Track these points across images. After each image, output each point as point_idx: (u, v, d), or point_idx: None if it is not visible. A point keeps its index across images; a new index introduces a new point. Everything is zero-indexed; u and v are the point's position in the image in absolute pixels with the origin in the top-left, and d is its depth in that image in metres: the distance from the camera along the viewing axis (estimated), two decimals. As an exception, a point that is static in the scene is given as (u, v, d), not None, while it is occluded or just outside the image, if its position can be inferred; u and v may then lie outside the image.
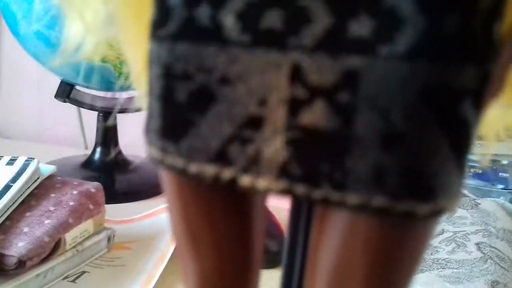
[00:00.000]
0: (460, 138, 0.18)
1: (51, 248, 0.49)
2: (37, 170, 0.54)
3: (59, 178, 0.57)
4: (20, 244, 0.47)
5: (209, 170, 0.19)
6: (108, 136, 0.75)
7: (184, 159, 0.19)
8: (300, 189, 0.18)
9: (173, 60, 0.19)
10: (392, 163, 0.17)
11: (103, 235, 0.56)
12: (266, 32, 0.18)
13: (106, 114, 0.73)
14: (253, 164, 0.19)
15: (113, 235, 0.58)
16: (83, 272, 0.53)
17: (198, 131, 0.19)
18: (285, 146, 0.18)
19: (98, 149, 0.76)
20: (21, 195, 0.51)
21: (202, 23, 0.19)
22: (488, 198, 0.60)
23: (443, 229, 0.52)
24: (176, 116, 0.20)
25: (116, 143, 0.75)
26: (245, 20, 0.18)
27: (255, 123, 0.18)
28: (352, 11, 0.17)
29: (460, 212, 0.54)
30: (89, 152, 0.80)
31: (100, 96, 0.74)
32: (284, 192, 0.18)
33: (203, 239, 0.22)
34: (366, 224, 0.19)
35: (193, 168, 0.19)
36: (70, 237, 0.51)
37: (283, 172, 0.18)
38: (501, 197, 0.69)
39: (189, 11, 0.19)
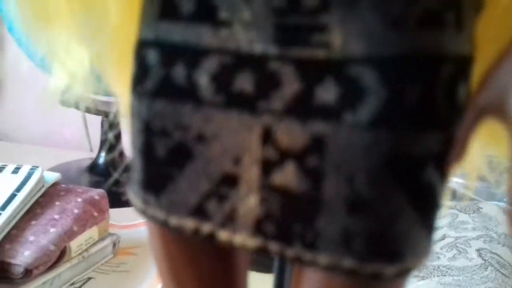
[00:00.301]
0: (425, 201, 0.18)
1: (57, 256, 0.50)
2: (41, 178, 0.54)
3: (63, 185, 0.57)
4: (26, 253, 0.47)
5: (189, 223, 0.20)
6: (112, 140, 0.75)
7: (164, 212, 0.20)
8: (274, 246, 0.19)
9: (152, 116, 0.20)
10: (358, 227, 0.18)
11: (108, 241, 0.57)
12: (238, 94, 0.18)
13: (110, 118, 0.74)
14: (230, 220, 0.19)
15: (118, 241, 0.58)
16: (89, 278, 0.54)
17: (177, 186, 0.20)
18: (259, 204, 0.19)
19: (103, 153, 0.77)
20: (26, 204, 0.52)
21: (178, 82, 0.19)
22: (491, 202, 0.60)
23: (444, 234, 0.52)
24: (156, 171, 0.20)
25: (120, 147, 0.76)
26: (218, 81, 0.19)
27: (231, 181, 0.19)
28: (319, 77, 0.17)
29: (461, 216, 0.55)
30: (94, 154, 0.80)
31: (104, 101, 0.75)
32: (260, 248, 0.19)
33: (186, 279, 0.22)
34: (338, 281, 0.19)
35: (174, 221, 0.20)
36: (75, 244, 0.52)
37: (258, 229, 0.19)
38: (505, 199, 0.69)
39: (166, 70, 0.19)
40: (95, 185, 0.68)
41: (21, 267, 0.46)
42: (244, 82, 0.18)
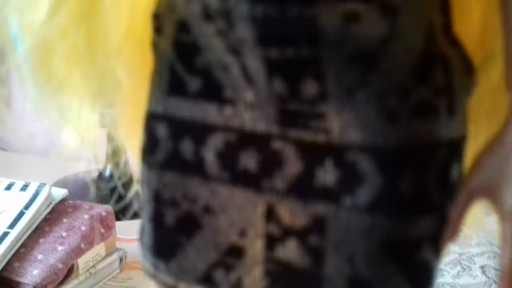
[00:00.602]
0: (421, 279, 0.19)
1: (65, 274, 0.50)
2: (49, 195, 0.55)
3: (70, 202, 0.58)
4: (35, 272, 0.48)
5: None
6: (117, 152, 0.76)
7: (174, 278, 0.21)
8: None
9: (162, 186, 0.21)
10: None
11: (114, 256, 0.57)
12: (243, 172, 0.19)
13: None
14: None
15: (125, 256, 0.59)
16: (96, 294, 0.54)
17: (186, 254, 0.21)
18: (264, 276, 0.20)
19: (108, 166, 0.77)
20: (34, 221, 0.53)
21: (186, 156, 0.20)
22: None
23: (448, 250, 0.52)
24: (165, 238, 0.21)
25: (126, 159, 0.76)
26: (224, 158, 0.20)
27: (237, 252, 0.20)
28: (319, 159, 0.18)
29: (465, 231, 0.55)
30: (100, 166, 0.81)
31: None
32: None
33: None
34: None
35: (183, 287, 0.21)
36: (82, 262, 0.52)
37: None
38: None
39: (175, 144, 0.20)
40: (101, 197, 0.69)
41: (30, 286, 0.47)
42: (248, 161, 0.19)
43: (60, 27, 0.24)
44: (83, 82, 0.25)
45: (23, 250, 0.50)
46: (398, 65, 0.18)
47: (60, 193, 0.57)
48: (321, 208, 0.19)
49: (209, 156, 0.20)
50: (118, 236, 0.60)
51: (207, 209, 0.20)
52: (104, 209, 0.58)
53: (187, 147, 0.20)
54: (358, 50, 0.18)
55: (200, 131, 0.20)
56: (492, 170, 0.20)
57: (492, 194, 0.20)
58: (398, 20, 0.18)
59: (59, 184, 0.67)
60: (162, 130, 0.21)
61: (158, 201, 0.22)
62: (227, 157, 0.20)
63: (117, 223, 0.60)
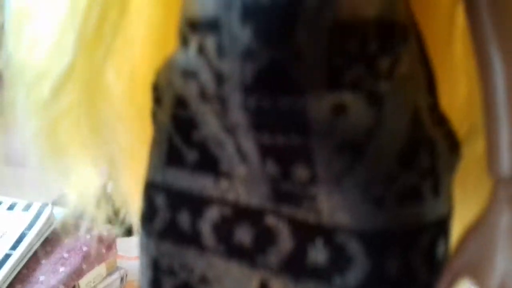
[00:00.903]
0: None
1: (66, 296, 0.51)
2: (51, 216, 0.56)
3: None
4: (36, 294, 0.49)
5: None
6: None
7: None
8: None
9: (159, 255, 0.22)
10: None
11: (115, 275, 0.58)
12: (238, 246, 0.20)
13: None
14: None
15: (126, 275, 0.59)
16: (97, 315, 0.55)
17: None
18: None
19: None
20: (36, 242, 0.53)
21: (183, 227, 0.21)
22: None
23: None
24: None
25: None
26: (219, 231, 0.20)
27: None
28: (311, 238, 0.19)
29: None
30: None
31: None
32: None
33: None
34: None
35: None
36: (83, 282, 0.53)
37: None
38: None
39: (172, 214, 0.21)
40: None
41: (31, 308, 0.48)
42: (243, 235, 0.20)
43: (65, 104, 0.24)
44: (85, 147, 0.26)
45: (25, 272, 0.51)
46: (384, 152, 0.19)
47: (62, 212, 0.58)
48: (312, 286, 0.20)
49: (206, 228, 0.21)
50: (118, 253, 0.61)
51: (203, 280, 0.21)
52: (105, 228, 0.58)
53: (184, 218, 0.21)
54: (345, 140, 0.19)
55: (197, 203, 0.21)
56: (476, 252, 0.20)
57: (476, 275, 0.20)
58: (384, 108, 0.19)
59: (61, 200, 0.68)
60: (160, 200, 0.22)
61: (156, 268, 0.22)
62: (223, 230, 0.21)
63: (118, 240, 0.61)
